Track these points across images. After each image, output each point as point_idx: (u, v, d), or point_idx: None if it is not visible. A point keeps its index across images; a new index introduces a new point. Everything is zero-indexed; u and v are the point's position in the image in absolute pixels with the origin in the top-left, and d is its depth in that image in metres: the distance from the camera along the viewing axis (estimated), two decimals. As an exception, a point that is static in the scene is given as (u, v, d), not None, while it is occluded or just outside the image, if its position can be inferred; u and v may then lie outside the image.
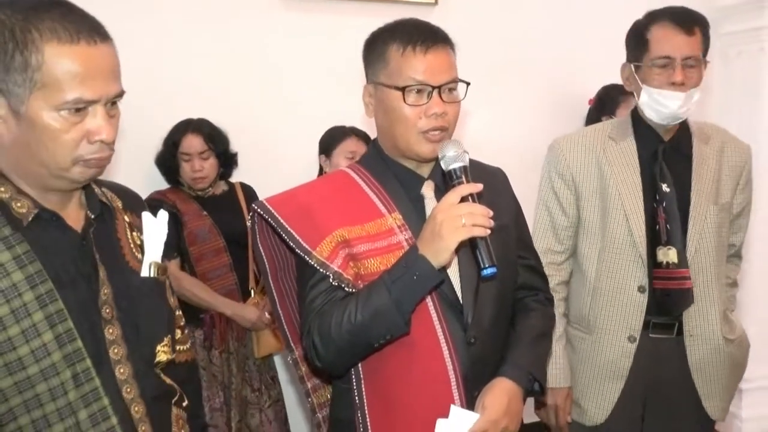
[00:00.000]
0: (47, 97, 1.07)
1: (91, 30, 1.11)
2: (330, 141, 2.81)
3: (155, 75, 2.78)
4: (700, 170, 2.03)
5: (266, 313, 2.74)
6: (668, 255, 1.99)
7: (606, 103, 3.16)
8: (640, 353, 2.02)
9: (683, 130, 2.05)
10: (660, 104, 1.94)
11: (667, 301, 2.00)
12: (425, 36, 1.43)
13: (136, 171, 2.77)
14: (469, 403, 1.45)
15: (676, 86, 1.92)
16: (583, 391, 2.08)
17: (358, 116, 2.60)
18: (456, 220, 1.28)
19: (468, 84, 1.48)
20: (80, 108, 1.09)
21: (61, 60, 1.06)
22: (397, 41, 1.43)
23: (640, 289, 2.00)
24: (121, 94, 1.16)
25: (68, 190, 1.19)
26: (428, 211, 1.49)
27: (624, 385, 2.03)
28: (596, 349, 2.05)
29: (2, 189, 1.13)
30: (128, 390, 1.20)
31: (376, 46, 1.47)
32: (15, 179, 1.14)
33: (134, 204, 1.36)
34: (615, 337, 2.02)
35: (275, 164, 2.98)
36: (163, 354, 1.27)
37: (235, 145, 2.88)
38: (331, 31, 2.96)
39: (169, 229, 2.67)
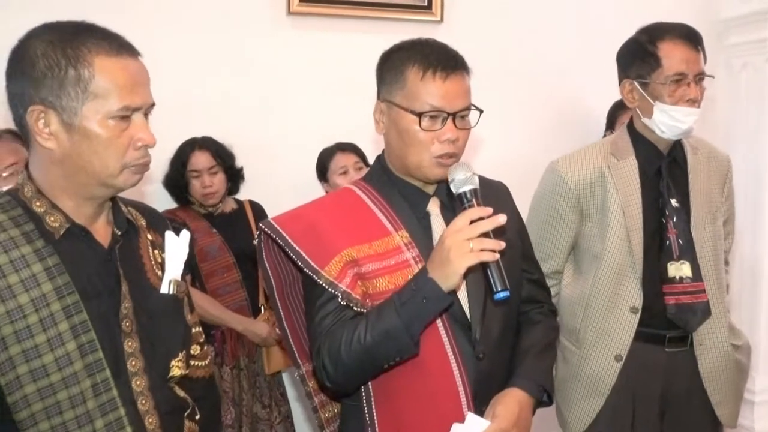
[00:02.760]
0: (98, 107, 1.15)
1: (128, 45, 1.21)
2: (322, 166, 2.88)
3: (160, 94, 2.81)
4: (695, 181, 2.05)
5: (276, 329, 2.75)
6: (681, 269, 1.99)
7: (610, 119, 3.19)
8: (627, 369, 2.01)
9: (677, 142, 2.06)
10: (677, 121, 1.93)
11: (685, 316, 1.99)
12: (445, 62, 1.42)
13: (145, 190, 2.80)
14: None
15: (690, 102, 1.92)
16: (567, 402, 2.09)
17: (364, 131, 2.62)
18: (464, 246, 1.27)
19: (481, 111, 1.48)
20: (127, 115, 1.18)
21: (109, 71, 1.16)
22: (416, 64, 1.42)
23: (633, 310, 2.00)
24: (153, 104, 1.24)
25: (106, 199, 1.26)
26: (434, 228, 1.50)
27: (605, 402, 2.03)
28: (582, 364, 2.06)
29: (38, 203, 1.20)
30: (143, 402, 1.23)
31: (394, 65, 1.46)
32: (51, 195, 1.21)
33: (158, 223, 1.41)
34: (601, 355, 2.03)
35: (282, 180, 3.00)
36: (177, 369, 1.30)
37: (242, 162, 2.91)
38: (337, 48, 2.98)
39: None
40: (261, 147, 2.99)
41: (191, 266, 2.74)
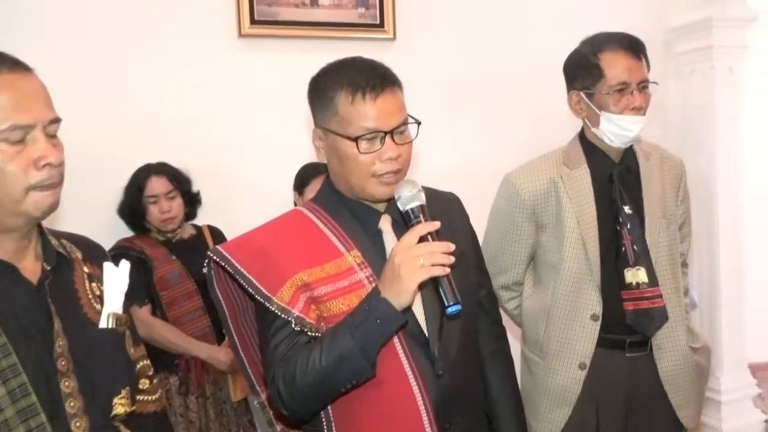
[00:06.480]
0: None
1: (12, 62, 1.13)
2: (302, 179, 2.85)
3: (113, 121, 2.79)
4: (648, 187, 2.07)
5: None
6: (638, 275, 2.01)
7: None
8: (590, 376, 2.03)
9: (628, 149, 2.09)
10: (624, 129, 1.96)
11: (643, 321, 2.01)
12: (374, 81, 1.39)
13: (98, 220, 2.74)
14: None
15: (636, 110, 1.96)
16: (534, 412, 2.09)
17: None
18: (414, 261, 1.27)
19: (419, 123, 1.46)
20: (18, 138, 1.10)
21: None
22: (345, 88, 1.39)
23: (593, 317, 2.02)
24: (57, 121, 1.16)
25: (24, 231, 1.18)
26: (387, 245, 1.48)
27: (572, 410, 2.04)
28: (548, 375, 2.08)
29: None
30: None
31: (323, 91, 1.43)
32: None
33: (95, 254, 1.35)
34: (566, 364, 2.05)
35: (240, 203, 2.97)
36: (120, 407, 1.25)
37: (201, 188, 2.89)
38: (290, 69, 2.95)
39: (138, 275, 2.62)
40: (217, 171, 2.96)
41: (151, 295, 2.70)
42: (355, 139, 1.38)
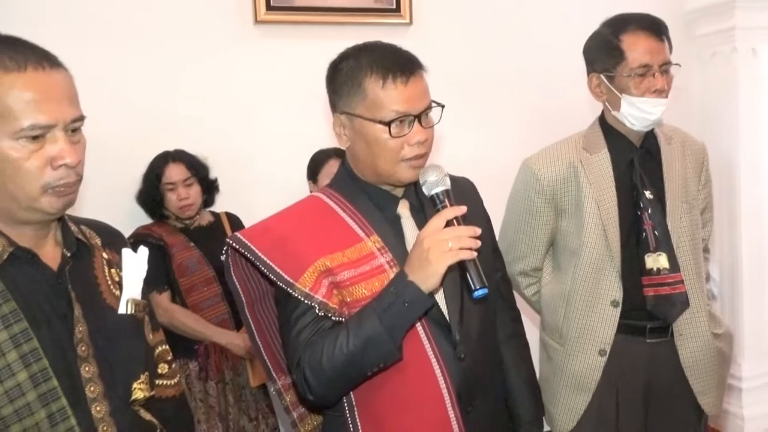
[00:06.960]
0: (3, 127, 1.08)
1: (40, 58, 1.12)
2: (314, 166, 2.85)
3: (129, 110, 2.81)
4: (670, 171, 2.04)
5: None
6: (658, 261, 1.99)
7: None
8: (610, 362, 2.02)
9: (649, 132, 2.05)
10: (645, 112, 1.93)
11: (664, 308, 1.99)
12: (403, 66, 1.40)
13: (117, 208, 2.76)
14: (464, 419, 1.44)
15: (657, 93, 1.92)
16: (553, 399, 2.09)
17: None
18: (443, 245, 1.28)
19: (443, 106, 1.46)
20: (37, 135, 1.10)
21: (10, 89, 1.08)
22: (374, 73, 1.39)
23: (613, 303, 2.00)
24: (80, 119, 1.16)
25: (42, 223, 1.19)
26: (406, 230, 1.49)
27: (592, 397, 2.03)
28: (567, 361, 2.07)
29: None
30: (105, 428, 1.19)
31: (348, 76, 1.42)
32: None
33: (114, 241, 1.36)
34: (585, 351, 2.03)
35: (258, 190, 2.98)
36: (139, 391, 1.26)
37: (219, 176, 2.90)
38: (306, 55, 2.96)
39: (156, 262, 2.64)
40: (234, 158, 2.97)
41: (170, 282, 2.73)
42: (388, 123, 1.38)
